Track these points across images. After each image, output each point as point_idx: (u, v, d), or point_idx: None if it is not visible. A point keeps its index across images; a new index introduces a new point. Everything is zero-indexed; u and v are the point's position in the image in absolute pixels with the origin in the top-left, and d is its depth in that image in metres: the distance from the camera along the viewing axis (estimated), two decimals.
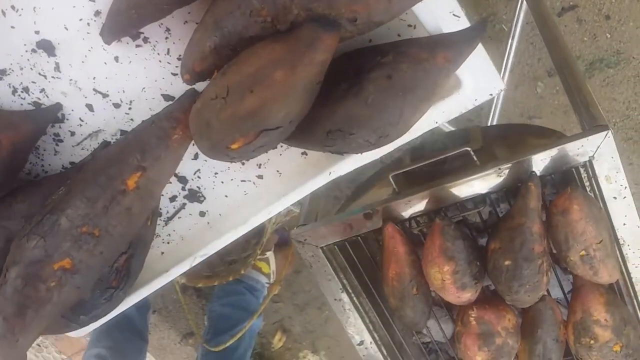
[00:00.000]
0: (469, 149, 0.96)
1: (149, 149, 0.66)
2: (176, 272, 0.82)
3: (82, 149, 0.80)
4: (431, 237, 0.95)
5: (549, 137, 1.16)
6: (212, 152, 0.62)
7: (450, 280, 0.94)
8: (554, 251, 1.13)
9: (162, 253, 0.85)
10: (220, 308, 2.02)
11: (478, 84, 0.65)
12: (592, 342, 0.96)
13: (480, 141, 1.08)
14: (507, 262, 0.91)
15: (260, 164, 0.80)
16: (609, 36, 1.75)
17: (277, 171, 0.79)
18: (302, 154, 0.77)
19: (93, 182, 0.64)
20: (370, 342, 1.15)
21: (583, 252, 0.90)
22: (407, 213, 1.01)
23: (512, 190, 0.99)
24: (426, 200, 0.98)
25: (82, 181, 0.65)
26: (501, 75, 1.65)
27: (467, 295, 0.97)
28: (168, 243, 0.85)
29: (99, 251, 0.65)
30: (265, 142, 0.59)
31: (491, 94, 0.66)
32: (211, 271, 2.02)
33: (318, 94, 0.59)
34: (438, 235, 0.93)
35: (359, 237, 1.04)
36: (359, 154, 0.69)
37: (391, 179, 1.00)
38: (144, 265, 0.79)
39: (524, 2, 1.59)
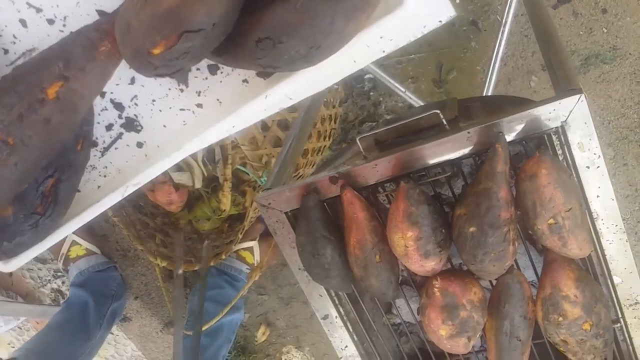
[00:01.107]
0: (437, 111, 0.93)
1: (73, 59, 0.63)
2: (108, 203, 0.78)
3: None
4: (395, 201, 0.92)
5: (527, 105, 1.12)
6: (135, 61, 0.58)
7: (413, 247, 0.91)
8: (530, 232, 1.10)
9: (99, 187, 0.82)
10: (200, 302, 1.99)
11: (423, 5, 0.61)
12: (560, 319, 0.92)
13: (455, 111, 1.05)
14: (471, 229, 0.88)
15: (200, 92, 0.76)
16: (605, 31, 1.72)
17: (217, 100, 0.76)
18: (243, 81, 0.74)
19: (11, 89, 0.61)
20: (336, 317, 1.11)
21: (551, 220, 0.86)
22: (374, 179, 0.98)
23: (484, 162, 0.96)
24: (393, 165, 0.95)
25: (1, 89, 0.62)
26: (491, 68, 1.63)
27: (431, 264, 0.93)
28: (105, 176, 0.82)
29: (13, 162, 0.61)
30: (189, 48, 0.55)
31: (440, 20, 0.63)
32: (193, 256, 1.99)
33: (248, 3, 0.56)
34: (402, 199, 0.90)
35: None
36: (297, 75, 0.66)
37: (358, 142, 0.97)
38: (78, 199, 0.76)
39: None
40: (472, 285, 0.96)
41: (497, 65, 1.60)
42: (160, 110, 0.79)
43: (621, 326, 1.03)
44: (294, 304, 2.30)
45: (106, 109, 0.80)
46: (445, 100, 1.10)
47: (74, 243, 2.18)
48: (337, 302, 1.11)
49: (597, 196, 0.91)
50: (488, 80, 1.62)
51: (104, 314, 2.08)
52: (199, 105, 0.78)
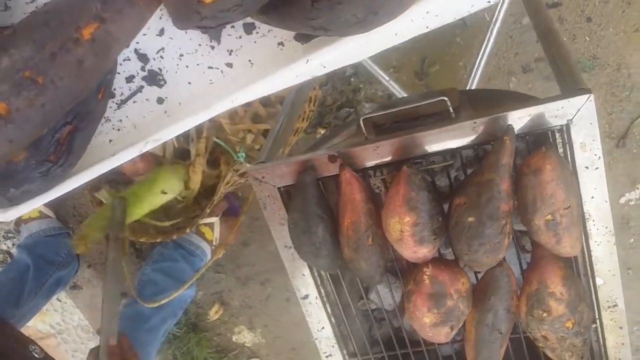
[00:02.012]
0: (445, 98, 0.93)
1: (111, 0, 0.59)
2: (125, 157, 0.74)
3: (37, 7, 0.70)
4: (396, 185, 0.91)
5: (527, 101, 1.13)
6: (179, 9, 0.55)
7: (409, 232, 0.90)
8: (524, 227, 1.10)
9: (110, 141, 0.77)
10: (151, 273, 1.94)
11: None
12: (544, 315, 0.93)
13: (456, 101, 1.05)
14: (470, 219, 0.88)
15: (232, 50, 0.73)
16: (587, 39, 1.75)
17: (249, 61, 0.73)
18: (279, 44, 0.71)
19: (44, 25, 0.57)
20: (316, 297, 1.10)
21: (549, 217, 0.87)
22: (373, 161, 0.96)
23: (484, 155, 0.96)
24: (395, 149, 0.94)
25: (32, 23, 0.58)
26: (476, 65, 1.64)
27: (424, 251, 0.93)
28: (118, 130, 0.77)
29: (40, 102, 0.57)
30: (243, 0, 0.53)
31: (489, 1, 0.62)
32: (153, 228, 1.94)
33: None
34: (403, 184, 0.89)
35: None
36: (342, 41, 0.64)
37: (362, 122, 0.96)
38: (89, 151, 0.72)
39: None
40: (460, 276, 0.96)
41: (483, 62, 1.61)
42: (187, 66, 0.75)
43: (597, 327, 1.05)
44: (250, 285, 2.28)
45: (129, 59, 0.75)
46: (445, 90, 1.09)
47: None
48: (319, 282, 1.09)
49: (592, 197, 0.92)
50: (472, 76, 1.62)
51: (43, 282, 1.99)
52: (229, 65, 0.74)
